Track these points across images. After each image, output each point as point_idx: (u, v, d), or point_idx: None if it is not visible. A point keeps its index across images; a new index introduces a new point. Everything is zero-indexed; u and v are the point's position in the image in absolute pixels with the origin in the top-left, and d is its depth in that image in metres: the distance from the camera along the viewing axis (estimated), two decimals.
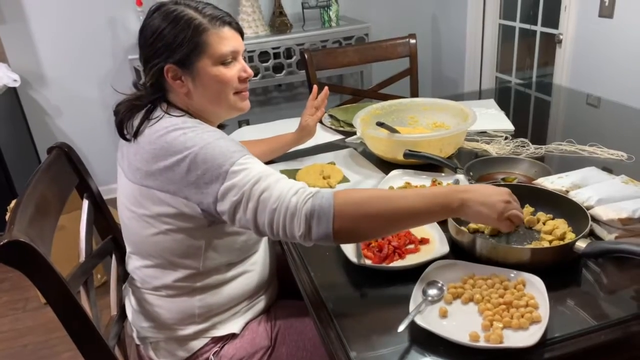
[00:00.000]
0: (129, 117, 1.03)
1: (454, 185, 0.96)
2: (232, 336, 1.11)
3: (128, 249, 1.12)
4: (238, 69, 1.06)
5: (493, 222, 0.91)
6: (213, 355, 1.08)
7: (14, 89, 2.85)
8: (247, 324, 1.13)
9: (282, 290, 1.26)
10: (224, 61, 1.03)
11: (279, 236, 0.91)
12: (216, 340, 1.09)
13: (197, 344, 1.08)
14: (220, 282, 1.08)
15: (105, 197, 1.29)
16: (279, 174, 0.95)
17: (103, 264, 1.20)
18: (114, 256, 1.24)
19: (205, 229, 1.00)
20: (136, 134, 1.01)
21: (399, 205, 0.89)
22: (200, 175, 0.93)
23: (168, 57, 0.99)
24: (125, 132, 1.03)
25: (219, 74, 1.02)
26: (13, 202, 2.06)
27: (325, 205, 0.87)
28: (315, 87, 1.49)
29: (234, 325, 1.11)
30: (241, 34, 1.07)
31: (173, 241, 1.02)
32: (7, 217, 2.20)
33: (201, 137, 0.95)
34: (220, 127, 1.17)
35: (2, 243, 0.80)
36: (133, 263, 1.10)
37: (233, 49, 1.03)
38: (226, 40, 1.02)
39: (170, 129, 0.97)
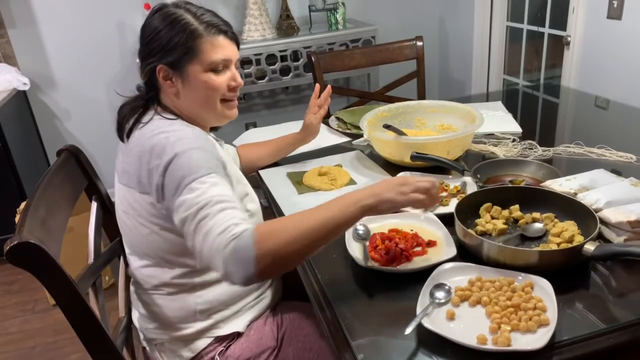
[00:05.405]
0: (128, 118, 1.06)
1: (353, 192, 0.92)
2: (237, 335, 1.11)
3: (127, 250, 1.14)
4: (228, 77, 1.08)
5: (403, 209, 0.97)
6: (218, 355, 1.09)
7: (24, 92, 2.88)
8: (251, 322, 1.14)
9: (289, 291, 1.27)
10: (214, 68, 1.05)
11: (209, 267, 0.91)
12: (221, 339, 1.10)
13: (201, 344, 1.09)
14: (219, 278, 1.08)
15: (113, 199, 1.30)
16: (231, 203, 0.90)
17: (111, 265, 1.21)
18: (121, 258, 1.24)
19: None
20: (128, 136, 1.04)
21: (315, 219, 0.87)
22: (167, 183, 0.94)
23: (161, 58, 1.03)
24: (121, 133, 1.06)
25: (207, 80, 1.05)
26: (23, 204, 2.08)
27: (245, 246, 0.83)
28: (317, 85, 1.50)
29: (237, 324, 1.11)
30: (237, 43, 1.09)
31: (166, 240, 1.03)
32: (16, 219, 2.22)
33: (181, 142, 0.96)
34: (214, 129, 1.20)
35: (12, 245, 0.81)
36: (132, 264, 1.12)
37: (225, 57, 1.05)
38: (219, 49, 1.04)
39: (155, 132, 0.99)
